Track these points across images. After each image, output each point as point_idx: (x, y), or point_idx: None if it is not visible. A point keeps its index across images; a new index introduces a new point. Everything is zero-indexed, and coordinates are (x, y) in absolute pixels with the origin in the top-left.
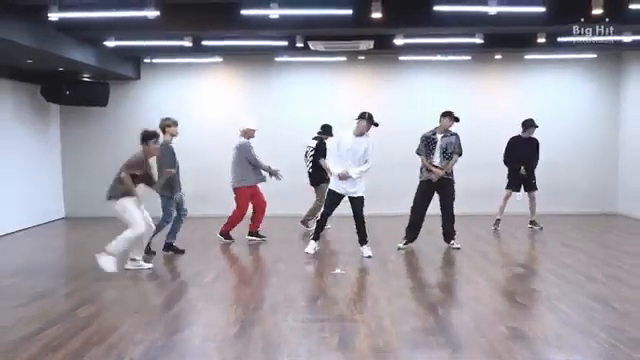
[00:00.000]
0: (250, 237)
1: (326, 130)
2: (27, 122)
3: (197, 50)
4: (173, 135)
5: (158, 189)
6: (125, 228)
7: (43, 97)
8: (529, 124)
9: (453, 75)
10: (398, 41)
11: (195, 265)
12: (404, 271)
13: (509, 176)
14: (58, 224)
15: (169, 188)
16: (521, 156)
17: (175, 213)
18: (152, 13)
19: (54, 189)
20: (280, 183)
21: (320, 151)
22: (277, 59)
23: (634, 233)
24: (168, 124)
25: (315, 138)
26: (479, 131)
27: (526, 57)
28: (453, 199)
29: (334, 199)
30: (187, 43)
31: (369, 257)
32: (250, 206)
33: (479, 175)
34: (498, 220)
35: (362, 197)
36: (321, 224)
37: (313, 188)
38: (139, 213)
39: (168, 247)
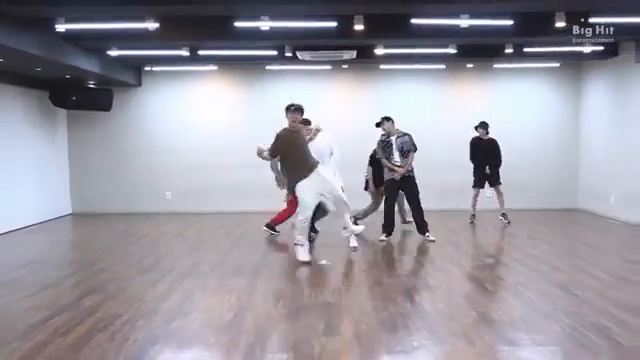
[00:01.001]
0: (266, 228)
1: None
2: (36, 125)
3: (194, 59)
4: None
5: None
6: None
7: (51, 102)
8: (485, 125)
9: (429, 82)
10: (379, 51)
11: (192, 257)
12: (383, 262)
13: (474, 175)
14: (65, 220)
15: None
16: (484, 155)
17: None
18: (152, 25)
19: (61, 187)
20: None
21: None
22: (268, 67)
23: (593, 226)
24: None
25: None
26: (452, 133)
27: (495, 66)
28: (417, 193)
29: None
30: (185, 52)
31: (354, 248)
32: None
33: (452, 174)
34: (473, 215)
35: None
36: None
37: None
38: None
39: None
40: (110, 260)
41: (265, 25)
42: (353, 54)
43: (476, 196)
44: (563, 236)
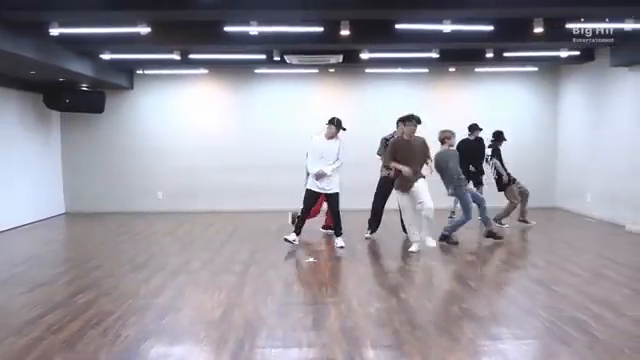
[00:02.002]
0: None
1: (498, 137)
2: (31, 127)
3: (185, 62)
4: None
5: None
6: None
7: (45, 105)
8: (474, 127)
9: (412, 86)
10: (364, 55)
11: (183, 255)
12: (369, 259)
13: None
14: (59, 219)
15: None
16: (470, 155)
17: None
18: (144, 29)
19: (55, 187)
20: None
21: (497, 156)
22: (257, 71)
23: (570, 224)
24: (447, 136)
25: (490, 146)
26: (435, 135)
27: (476, 70)
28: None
29: (311, 197)
30: (176, 56)
31: (342, 247)
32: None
33: (436, 174)
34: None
35: (337, 193)
36: (302, 220)
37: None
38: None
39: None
40: (103, 258)
41: (254, 30)
42: (339, 58)
43: None
44: (541, 234)
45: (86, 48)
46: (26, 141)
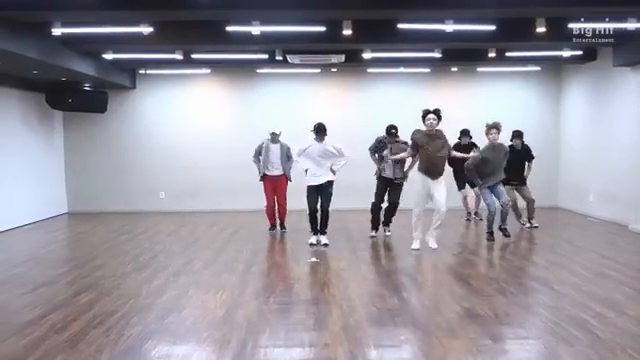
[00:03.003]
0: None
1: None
2: (34, 127)
3: (187, 62)
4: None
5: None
6: None
7: (48, 104)
8: (466, 133)
9: (414, 85)
10: (366, 55)
11: (186, 255)
12: (371, 259)
13: (455, 179)
14: (61, 218)
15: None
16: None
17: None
18: (146, 29)
19: (58, 187)
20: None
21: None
22: (259, 71)
23: (572, 224)
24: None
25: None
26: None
27: (478, 70)
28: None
29: (313, 193)
30: (178, 56)
31: (326, 245)
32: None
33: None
34: (468, 213)
35: (332, 182)
36: (313, 219)
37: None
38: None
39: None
40: (105, 258)
41: (256, 30)
42: (341, 58)
43: (465, 197)
44: (543, 233)
45: (89, 48)
46: (29, 141)
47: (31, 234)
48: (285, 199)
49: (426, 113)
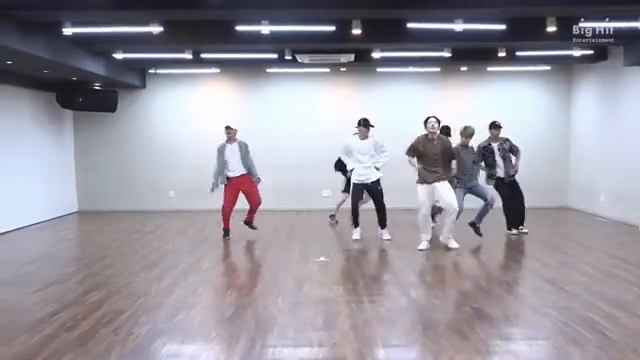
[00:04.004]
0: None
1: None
2: (44, 126)
3: (197, 62)
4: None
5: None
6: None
7: (58, 104)
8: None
9: (424, 85)
10: (375, 54)
11: (195, 254)
12: (380, 258)
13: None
14: (72, 217)
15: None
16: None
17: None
18: (156, 29)
19: (68, 186)
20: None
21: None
22: (268, 70)
23: (582, 224)
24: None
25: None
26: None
27: (488, 69)
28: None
29: (358, 190)
30: (188, 55)
31: (388, 240)
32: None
33: None
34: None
35: (379, 180)
36: (355, 214)
37: None
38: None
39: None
40: (115, 257)
41: (266, 29)
42: (351, 57)
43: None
44: (553, 233)
45: (99, 47)
46: (40, 140)
47: (41, 233)
48: (260, 196)
49: (428, 118)
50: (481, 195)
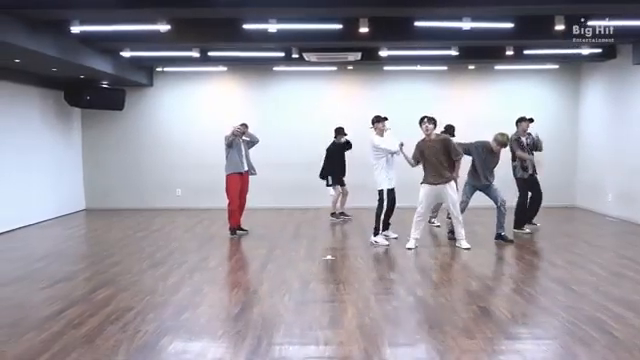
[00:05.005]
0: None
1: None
2: (52, 124)
3: (204, 60)
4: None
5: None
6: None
7: (66, 102)
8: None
9: (431, 83)
10: (383, 53)
11: (202, 252)
12: (387, 257)
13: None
14: (79, 215)
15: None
16: None
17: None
18: (164, 27)
19: (76, 183)
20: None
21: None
22: (275, 68)
23: (590, 223)
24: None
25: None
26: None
27: (496, 67)
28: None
29: (391, 194)
30: (195, 54)
31: (395, 238)
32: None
33: None
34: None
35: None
36: (387, 217)
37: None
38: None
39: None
40: (122, 254)
41: (273, 27)
42: (358, 56)
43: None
44: (561, 233)
45: (107, 46)
46: (47, 138)
47: (49, 230)
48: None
49: (421, 119)
50: (492, 197)
